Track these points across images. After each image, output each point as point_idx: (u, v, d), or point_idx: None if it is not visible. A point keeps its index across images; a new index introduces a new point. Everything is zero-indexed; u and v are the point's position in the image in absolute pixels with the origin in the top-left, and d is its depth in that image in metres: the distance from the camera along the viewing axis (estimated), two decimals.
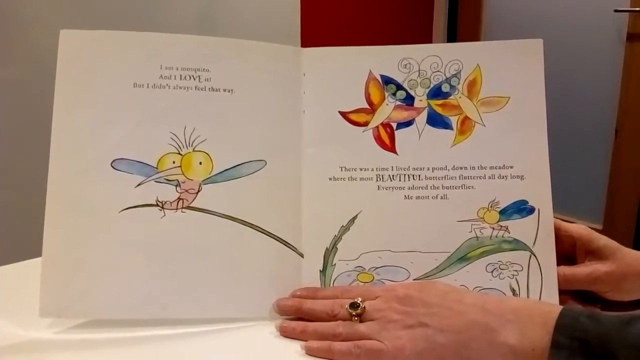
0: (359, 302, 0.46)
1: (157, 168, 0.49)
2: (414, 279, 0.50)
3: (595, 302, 0.50)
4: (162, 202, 0.48)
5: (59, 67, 0.48)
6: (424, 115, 0.51)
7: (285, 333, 0.47)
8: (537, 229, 0.50)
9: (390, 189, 0.51)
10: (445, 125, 0.51)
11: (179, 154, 0.49)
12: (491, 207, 0.50)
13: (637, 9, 1.86)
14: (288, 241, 0.50)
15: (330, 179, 0.51)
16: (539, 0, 2.18)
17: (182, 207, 0.49)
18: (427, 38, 2.45)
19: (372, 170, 0.51)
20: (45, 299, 0.46)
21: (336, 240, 0.50)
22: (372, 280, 0.50)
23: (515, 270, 0.50)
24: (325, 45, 0.52)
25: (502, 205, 0.50)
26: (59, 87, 0.48)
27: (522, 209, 0.50)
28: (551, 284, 0.49)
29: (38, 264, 0.47)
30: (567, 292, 0.50)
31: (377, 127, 0.51)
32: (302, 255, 0.50)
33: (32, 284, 0.47)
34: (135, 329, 0.47)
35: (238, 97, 0.50)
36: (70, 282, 0.47)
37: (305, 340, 0.45)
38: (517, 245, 0.50)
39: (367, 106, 0.51)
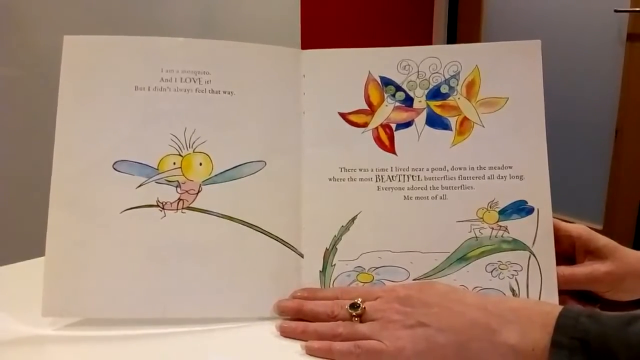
0: (359, 302, 0.46)
1: (157, 169, 0.49)
2: (414, 279, 0.50)
3: (595, 302, 0.50)
4: (162, 203, 0.49)
5: (62, 71, 0.49)
6: (423, 116, 0.51)
7: (286, 333, 0.47)
8: (537, 229, 0.50)
9: (390, 189, 0.51)
10: (444, 126, 0.51)
11: (180, 155, 0.49)
12: (490, 207, 0.50)
13: (637, 9, 1.86)
14: (288, 241, 0.50)
15: (330, 179, 0.51)
16: (539, 1, 2.18)
17: (183, 208, 0.49)
18: (427, 39, 2.45)
19: (372, 170, 0.51)
20: (48, 298, 0.47)
21: (336, 240, 0.51)
22: (371, 281, 0.51)
23: (515, 270, 0.50)
24: (325, 46, 0.52)
25: (502, 206, 0.50)
26: (63, 90, 0.48)
27: (521, 209, 0.50)
28: (551, 283, 0.49)
29: (41, 263, 0.47)
30: (566, 292, 0.50)
31: (377, 128, 0.51)
32: (302, 256, 0.51)
33: (34, 283, 0.47)
34: (135, 327, 0.47)
35: (238, 99, 0.50)
36: (72, 281, 0.47)
37: (306, 341, 0.45)
38: (516, 245, 0.50)
39: (366, 107, 0.52)
